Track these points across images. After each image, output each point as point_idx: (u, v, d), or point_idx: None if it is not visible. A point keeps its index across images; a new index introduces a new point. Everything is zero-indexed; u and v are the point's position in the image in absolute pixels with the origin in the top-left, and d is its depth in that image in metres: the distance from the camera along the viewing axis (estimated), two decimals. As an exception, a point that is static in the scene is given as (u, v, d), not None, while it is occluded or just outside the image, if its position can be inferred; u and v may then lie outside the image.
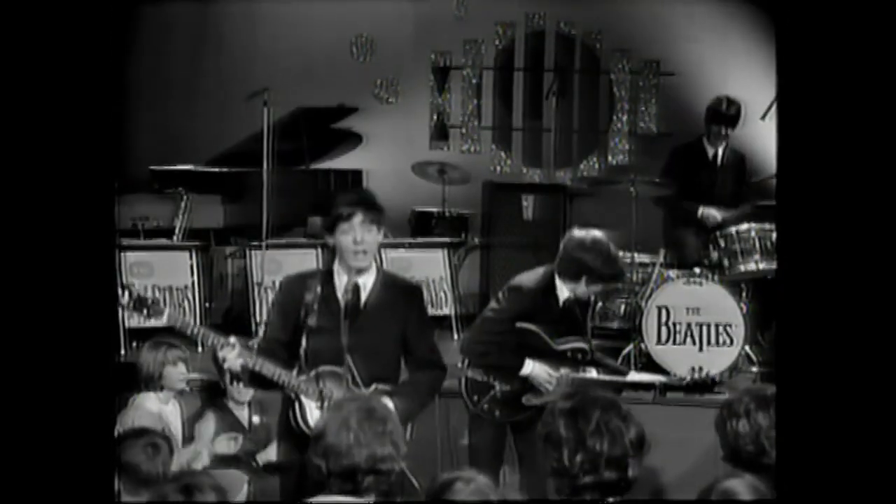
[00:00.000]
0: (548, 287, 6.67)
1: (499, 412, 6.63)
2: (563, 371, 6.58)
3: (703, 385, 7.30)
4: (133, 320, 8.91)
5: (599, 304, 8.63)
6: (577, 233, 6.78)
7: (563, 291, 6.66)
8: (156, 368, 6.70)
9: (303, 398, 5.57)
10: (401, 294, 5.89)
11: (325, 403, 5.53)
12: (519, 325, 6.59)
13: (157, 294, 9.04)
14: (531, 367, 6.57)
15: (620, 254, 6.79)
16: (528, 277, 6.80)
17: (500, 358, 6.59)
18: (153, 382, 6.69)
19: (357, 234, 5.62)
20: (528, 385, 6.59)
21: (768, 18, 11.02)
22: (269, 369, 5.54)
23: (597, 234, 6.74)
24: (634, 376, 7.08)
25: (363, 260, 5.69)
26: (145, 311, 5.59)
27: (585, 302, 6.91)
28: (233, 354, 5.44)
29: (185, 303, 9.11)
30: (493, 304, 6.93)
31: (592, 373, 6.68)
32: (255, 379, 5.62)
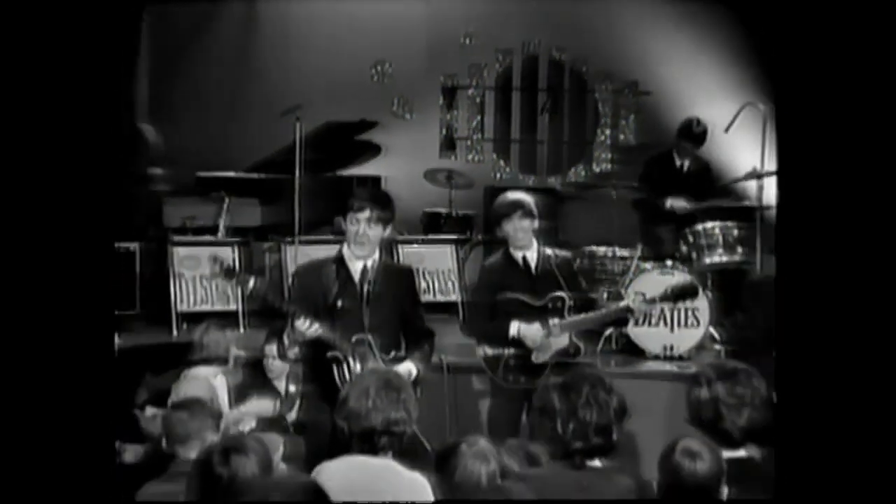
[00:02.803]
0: (506, 258, 6.62)
1: (523, 378, 6.51)
2: (552, 321, 6.49)
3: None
4: (183, 305, 9.02)
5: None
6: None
7: (518, 254, 6.58)
8: (223, 348, 6.72)
9: (350, 359, 5.67)
10: (399, 275, 6.03)
11: (366, 365, 5.65)
12: (500, 296, 6.53)
13: (204, 283, 9.08)
14: (516, 328, 6.46)
15: (531, 200, 6.67)
16: (491, 257, 6.88)
17: (493, 328, 6.53)
18: (213, 358, 6.70)
19: (361, 227, 5.72)
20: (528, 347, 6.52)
21: (734, 45, 11.05)
22: (330, 336, 5.72)
23: (510, 192, 6.85)
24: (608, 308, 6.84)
25: (362, 249, 5.83)
26: (234, 280, 5.72)
27: (565, 261, 6.76)
28: (308, 326, 5.60)
29: (229, 291, 9.13)
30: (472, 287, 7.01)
31: (580, 316, 6.54)
32: (312, 347, 5.79)
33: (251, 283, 5.82)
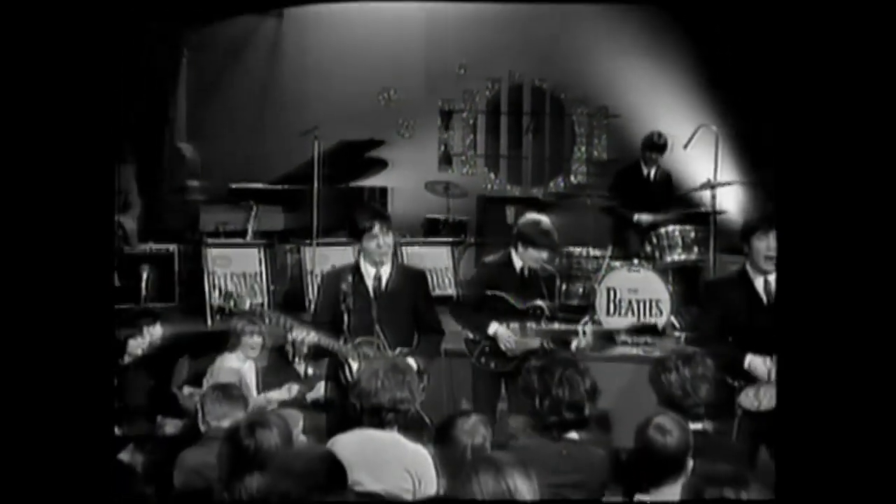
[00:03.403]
0: (506, 260, 6.47)
1: (493, 363, 6.41)
2: (529, 324, 6.36)
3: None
4: (216, 298, 8.97)
5: (564, 285, 8.53)
6: (527, 215, 6.64)
7: (518, 262, 6.43)
8: (243, 337, 6.67)
9: (350, 361, 5.62)
10: (411, 278, 5.95)
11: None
12: (489, 292, 6.42)
13: (235, 280, 9.03)
14: (494, 329, 6.33)
15: (555, 231, 6.44)
16: (492, 255, 6.76)
17: (477, 318, 6.41)
18: (240, 346, 6.65)
19: (380, 239, 5.68)
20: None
21: (690, 75, 11.04)
22: (330, 343, 5.64)
23: (539, 216, 6.58)
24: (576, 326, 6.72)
25: (384, 258, 5.75)
26: (231, 304, 5.68)
27: (551, 276, 6.62)
28: (307, 336, 5.60)
29: (255, 286, 9.09)
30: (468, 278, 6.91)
31: (554, 325, 6.42)
32: (317, 349, 5.75)
33: (247, 303, 5.84)
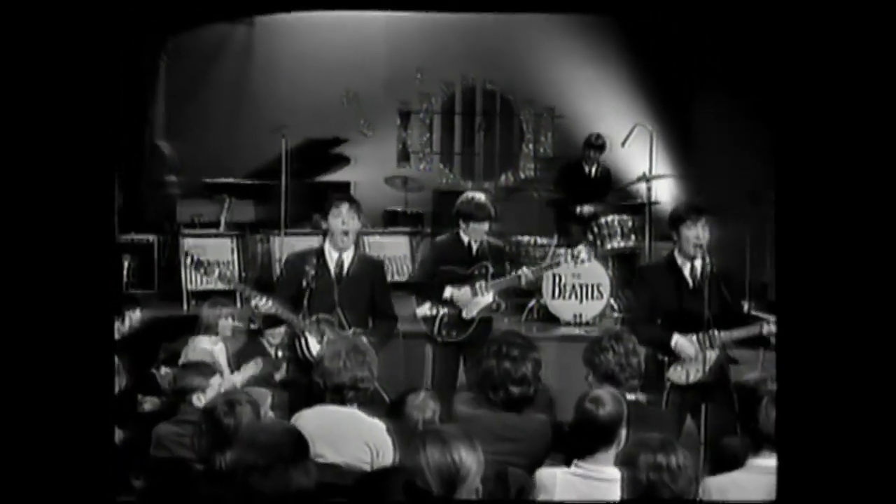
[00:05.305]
0: (455, 238, 6.42)
1: (455, 332, 6.33)
2: (479, 283, 6.29)
3: None
4: (191, 285, 8.91)
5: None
6: (464, 194, 6.61)
7: (465, 238, 6.38)
8: (213, 320, 6.60)
9: (307, 335, 5.57)
10: (371, 266, 5.88)
11: (323, 339, 5.55)
12: (442, 268, 6.34)
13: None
14: (450, 292, 6.28)
15: (490, 205, 6.40)
16: (442, 236, 6.72)
17: (432, 290, 6.32)
18: (210, 329, 6.59)
19: (344, 217, 5.61)
20: (457, 307, 6.34)
21: (629, 79, 11.09)
22: (287, 315, 5.57)
23: (473, 193, 6.57)
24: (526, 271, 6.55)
25: (346, 242, 5.66)
26: (202, 271, 5.63)
27: (498, 248, 6.56)
28: (265, 304, 5.52)
29: (228, 273, 9.01)
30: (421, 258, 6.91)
31: (500, 279, 6.36)
32: (276, 321, 5.69)
33: (217, 272, 5.77)
